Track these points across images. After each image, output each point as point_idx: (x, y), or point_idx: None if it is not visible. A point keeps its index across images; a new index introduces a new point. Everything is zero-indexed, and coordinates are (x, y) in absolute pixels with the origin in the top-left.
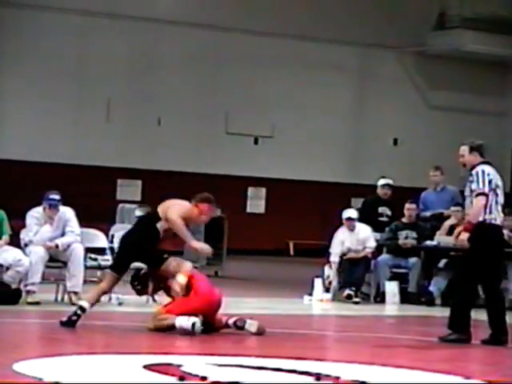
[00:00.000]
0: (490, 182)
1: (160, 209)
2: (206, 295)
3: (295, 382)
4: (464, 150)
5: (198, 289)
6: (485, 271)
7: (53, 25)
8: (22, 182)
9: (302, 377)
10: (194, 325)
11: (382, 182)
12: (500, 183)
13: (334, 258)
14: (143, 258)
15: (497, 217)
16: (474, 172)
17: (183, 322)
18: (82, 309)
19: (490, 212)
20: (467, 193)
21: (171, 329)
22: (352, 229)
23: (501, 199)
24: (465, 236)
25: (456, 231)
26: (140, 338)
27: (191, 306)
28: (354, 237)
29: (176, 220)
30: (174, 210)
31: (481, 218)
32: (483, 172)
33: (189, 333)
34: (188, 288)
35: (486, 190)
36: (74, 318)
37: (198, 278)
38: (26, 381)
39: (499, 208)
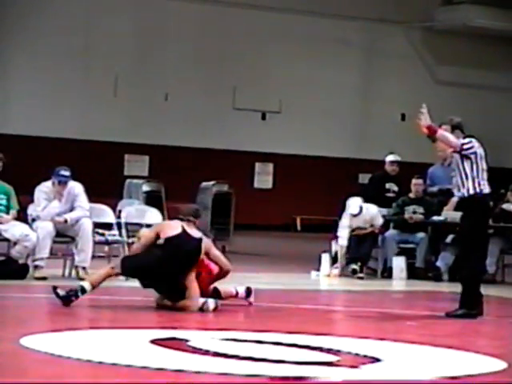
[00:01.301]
0: (472, 149)
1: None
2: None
3: (301, 359)
4: (446, 129)
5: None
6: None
7: (60, 1)
8: (30, 158)
9: (307, 351)
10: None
11: (390, 158)
12: (483, 154)
13: (342, 241)
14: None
15: (485, 187)
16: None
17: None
18: (83, 290)
19: (479, 184)
20: (453, 173)
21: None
22: (357, 215)
23: (486, 167)
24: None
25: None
26: (147, 313)
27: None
28: (361, 217)
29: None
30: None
31: (472, 191)
32: (469, 141)
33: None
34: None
35: (458, 144)
36: (73, 298)
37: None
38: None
39: (485, 176)
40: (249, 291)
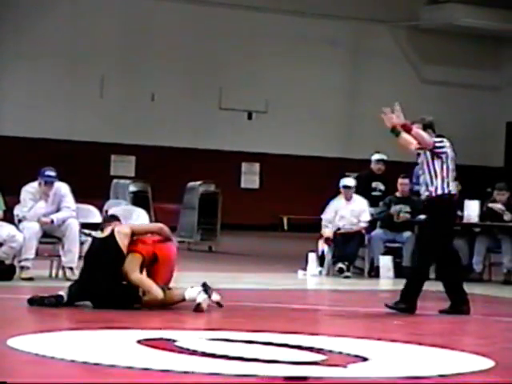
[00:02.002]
0: (444, 148)
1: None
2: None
3: (286, 358)
4: (418, 127)
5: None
6: (446, 242)
7: (47, 2)
8: (16, 158)
9: (294, 351)
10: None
11: (376, 156)
12: (453, 155)
13: (326, 223)
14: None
15: (453, 188)
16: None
17: (192, 293)
18: (61, 298)
19: (448, 185)
20: (420, 172)
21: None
22: (349, 198)
23: (454, 168)
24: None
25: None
26: (134, 313)
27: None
28: (349, 207)
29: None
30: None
31: (440, 191)
32: (441, 141)
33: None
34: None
35: (431, 142)
36: (50, 301)
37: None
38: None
39: (453, 178)
40: (205, 288)
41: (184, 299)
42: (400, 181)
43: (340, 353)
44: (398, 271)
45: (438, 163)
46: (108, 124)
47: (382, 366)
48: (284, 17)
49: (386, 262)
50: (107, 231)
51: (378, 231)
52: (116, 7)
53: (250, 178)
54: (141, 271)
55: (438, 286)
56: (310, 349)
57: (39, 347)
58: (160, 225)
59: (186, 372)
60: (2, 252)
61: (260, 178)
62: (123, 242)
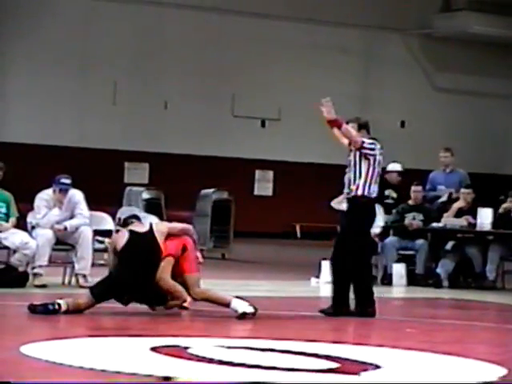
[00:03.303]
0: (373, 151)
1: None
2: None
3: (304, 367)
4: (353, 127)
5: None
6: (361, 243)
7: (58, 7)
8: (29, 166)
9: (311, 359)
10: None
11: (392, 166)
12: (381, 159)
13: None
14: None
15: (374, 192)
16: None
17: (240, 305)
18: (59, 306)
19: (370, 187)
20: (347, 170)
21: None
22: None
23: (379, 172)
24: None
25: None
26: (147, 320)
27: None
28: None
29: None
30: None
31: (360, 192)
32: (372, 143)
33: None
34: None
35: (360, 140)
36: (51, 307)
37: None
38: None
39: (376, 182)
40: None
41: (228, 305)
42: (413, 188)
43: (353, 360)
44: (411, 279)
45: (364, 164)
46: (121, 131)
47: (395, 374)
48: (297, 24)
49: (399, 270)
50: (146, 227)
51: (391, 239)
52: (130, 13)
53: (264, 185)
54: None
55: (452, 294)
56: (321, 356)
57: (53, 354)
58: (189, 226)
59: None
60: (15, 259)
61: (273, 185)
62: (161, 239)
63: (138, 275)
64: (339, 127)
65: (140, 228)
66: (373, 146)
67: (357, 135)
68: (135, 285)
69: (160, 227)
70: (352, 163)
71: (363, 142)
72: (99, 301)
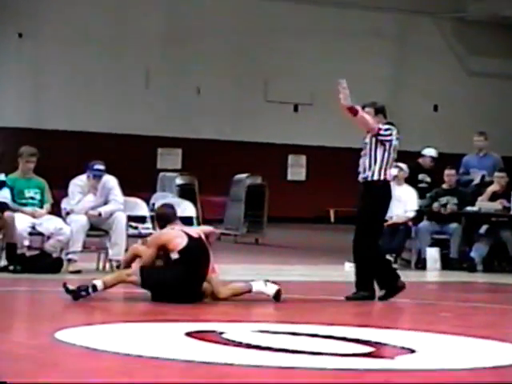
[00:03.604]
0: (389, 137)
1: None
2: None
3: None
4: (369, 112)
5: None
6: (376, 227)
7: None
8: (63, 152)
9: (340, 342)
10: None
11: (427, 151)
12: (397, 145)
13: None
14: None
15: (388, 176)
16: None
17: (259, 286)
18: (95, 288)
19: (385, 172)
20: (362, 153)
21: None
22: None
23: (395, 158)
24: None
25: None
26: (181, 305)
27: None
28: (396, 193)
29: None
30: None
31: (376, 177)
32: (388, 128)
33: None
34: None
35: (376, 127)
36: (83, 293)
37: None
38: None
39: (391, 166)
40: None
41: (250, 290)
42: (446, 172)
43: (388, 345)
44: (445, 263)
45: (380, 150)
46: (154, 117)
47: (429, 358)
48: (330, 9)
49: (433, 254)
50: (197, 232)
51: (424, 223)
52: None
53: (297, 170)
54: None
55: (487, 278)
56: (356, 341)
57: (88, 340)
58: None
59: (231, 364)
60: (49, 245)
61: (306, 170)
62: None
63: (195, 283)
64: (355, 115)
65: (189, 230)
66: (389, 132)
67: (373, 122)
68: (186, 293)
69: (201, 233)
70: (368, 148)
71: (379, 129)
72: (144, 287)
